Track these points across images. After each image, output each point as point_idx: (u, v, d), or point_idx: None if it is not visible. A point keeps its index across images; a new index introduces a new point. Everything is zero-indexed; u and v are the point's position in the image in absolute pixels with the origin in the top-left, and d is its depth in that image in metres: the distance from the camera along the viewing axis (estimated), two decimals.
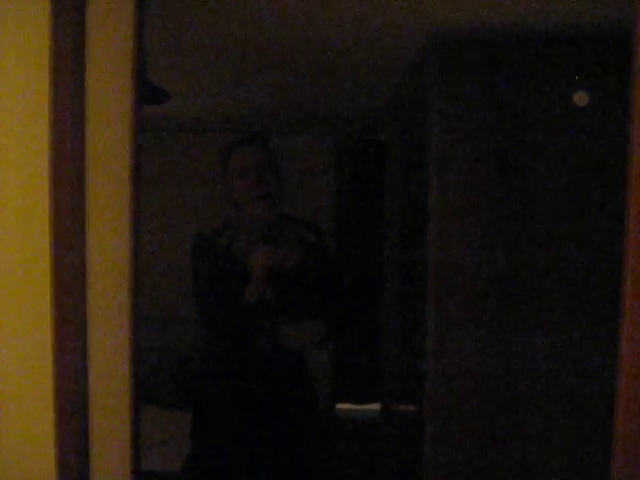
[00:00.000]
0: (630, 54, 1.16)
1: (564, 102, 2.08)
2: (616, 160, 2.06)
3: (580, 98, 2.08)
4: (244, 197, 2.10)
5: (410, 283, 3.09)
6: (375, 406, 4.61)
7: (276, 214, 2.16)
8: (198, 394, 2.27)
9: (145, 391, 1.61)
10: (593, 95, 2.08)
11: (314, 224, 2.26)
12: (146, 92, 2.09)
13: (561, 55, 2.09)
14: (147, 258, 1.52)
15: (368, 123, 4.09)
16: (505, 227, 2.11)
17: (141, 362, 1.46)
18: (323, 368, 4.34)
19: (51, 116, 1.19)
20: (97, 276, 1.30)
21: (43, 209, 1.24)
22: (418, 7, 1.85)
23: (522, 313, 2.13)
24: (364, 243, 4.57)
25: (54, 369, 1.25)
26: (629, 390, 1.14)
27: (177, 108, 3.47)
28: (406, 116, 3.15)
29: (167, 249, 4.14)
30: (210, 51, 2.32)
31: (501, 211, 2.11)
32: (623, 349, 1.14)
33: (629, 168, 1.14)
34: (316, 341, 2.14)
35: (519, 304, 2.13)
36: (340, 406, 4.72)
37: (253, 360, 2.12)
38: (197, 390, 2.30)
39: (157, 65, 2.39)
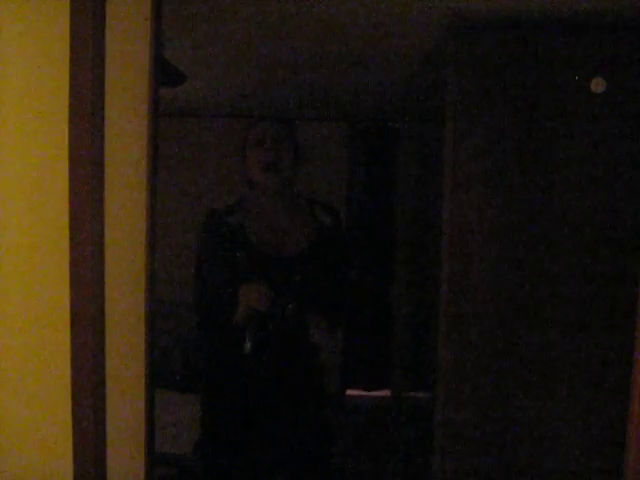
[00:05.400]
0: None
1: (581, 88, 2.06)
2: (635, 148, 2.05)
3: (597, 85, 2.06)
4: (255, 167, 2.09)
5: (422, 269, 3.08)
6: (385, 393, 4.61)
7: (292, 192, 2.16)
8: (205, 381, 2.27)
9: (158, 374, 1.62)
10: (610, 82, 2.05)
11: (332, 207, 2.25)
12: (163, 73, 2.08)
13: (579, 41, 2.06)
14: (159, 242, 1.51)
15: (382, 109, 4.07)
16: (522, 213, 2.10)
17: (154, 345, 1.46)
18: (333, 354, 4.35)
19: (70, 98, 1.18)
20: (114, 260, 1.31)
21: (62, 191, 1.24)
22: None
23: (539, 301, 2.11)
24: (376, 228, 4.56)
25: (72, 353, 1.26)
26: None
27: (188, 93, 3.46)
28: (420, 103, 3.13)
29: (180, 232, 4.12)
30: (226, 35, 2.30)
31: (518, 198, 2.09)
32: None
33: None
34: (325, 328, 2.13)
35: (536, 292, 2.11)
36: (350, 392, 4.73)
37: (260, 346, 2.11)
38: (204, 377, 2.29)
39: (173, 47, 2.38)
